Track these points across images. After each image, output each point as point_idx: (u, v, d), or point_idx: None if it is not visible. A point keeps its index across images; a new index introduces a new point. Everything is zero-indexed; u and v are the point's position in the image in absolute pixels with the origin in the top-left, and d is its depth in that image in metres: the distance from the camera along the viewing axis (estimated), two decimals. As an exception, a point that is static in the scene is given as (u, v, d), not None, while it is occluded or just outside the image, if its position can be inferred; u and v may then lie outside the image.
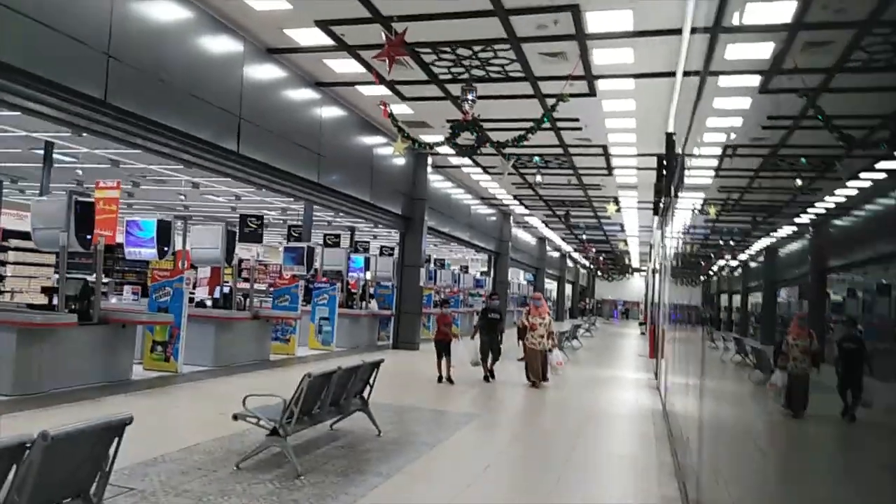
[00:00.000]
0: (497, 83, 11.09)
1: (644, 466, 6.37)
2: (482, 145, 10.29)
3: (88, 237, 8.32)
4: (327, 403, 5.88)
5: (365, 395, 6.68)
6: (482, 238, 23.22)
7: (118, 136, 7.82)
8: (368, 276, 16.40)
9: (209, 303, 11.79)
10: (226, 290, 11.49)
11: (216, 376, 9.45)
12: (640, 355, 18.98)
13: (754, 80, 3.17)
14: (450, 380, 10.72)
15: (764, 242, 2.87)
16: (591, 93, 11.25)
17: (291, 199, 25.65)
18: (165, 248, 10.37)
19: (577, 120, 12.92)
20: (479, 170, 18.06)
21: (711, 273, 4.56)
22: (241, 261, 19.08)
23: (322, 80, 11.45)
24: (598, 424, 8.63)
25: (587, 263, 51.37)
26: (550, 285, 43.40)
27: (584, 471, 6.14)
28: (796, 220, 2.36)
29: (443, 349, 10.89)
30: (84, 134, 11.08)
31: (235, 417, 5.30)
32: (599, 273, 56.93)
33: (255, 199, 26.19)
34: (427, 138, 14.06)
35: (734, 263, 3.70)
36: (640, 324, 34.49)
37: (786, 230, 2.53)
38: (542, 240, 35.03)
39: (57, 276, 8.02)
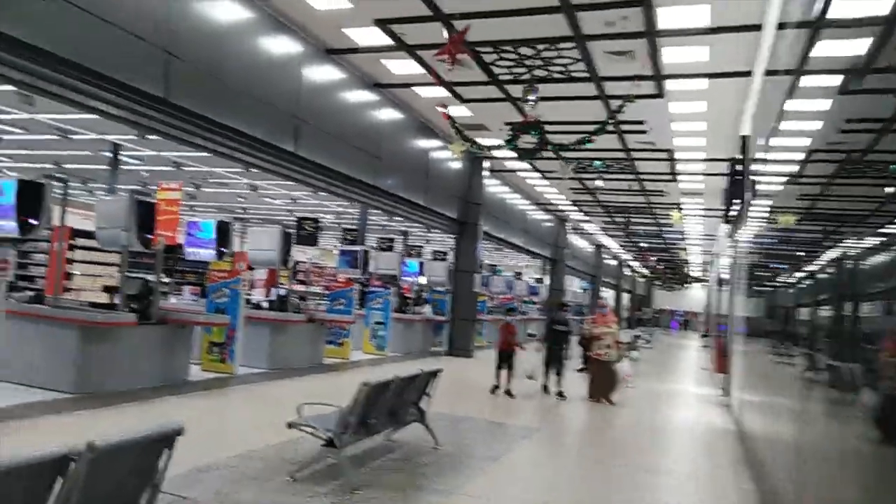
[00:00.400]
0: (559, 84, 10.72)
1: (722, 493, 5.89)
2: (543, 148, 9.92)
3: (149, 237, 8.37)
4: (384, 414, 5.64)
5: (422, 405, 6.41)
6: (537, 244, 22.77)
7: (178, 136, 7.83)
8: (423, 280, 16.21)
9: (265, 304, 11.78)
10: (281, 292, 11.47)
11: (271, 379, 9.37)
12: (703, 368, 18.16)
13: (836, 80, 2.77)
14: (508, 393, 10.32)
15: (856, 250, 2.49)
16: (659, 94, 10.75)
17: (347, 203, 25.91)
18: (224, 250, 10.38)
19: (641, 122, 12.41)
20: (536, 174, 17.67)
21: (800, 284, 4.13)
22: (296, 263, 19.27)
23: (380, 82, 11.32)
24: (666, 443, 8.13)
25: (645, 272, 50.13)
26: (606, 294, 42.47)
27: (655, 494, 5.71)
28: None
29: (505, 359, 10.52)
30: (148, 136, 11.27)
31: (290, 426, 5.10)
32: (658, 282, 55.43)
33: (311, 203, 26.46)
34: (484, 142, 13.85)
35: (829, 273, 3.28)
36: (703, 335, 33.26)
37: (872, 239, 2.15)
38: (598, 247, 34.26)
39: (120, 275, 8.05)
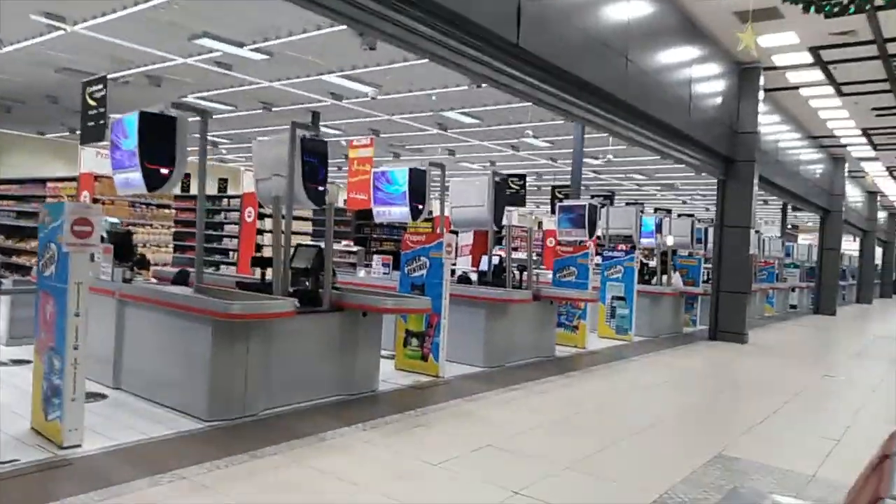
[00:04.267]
0: None
1: None
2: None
3: (322, 189, 5.83)
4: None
5: None
6: (811, 191, 17.51)
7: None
8: (670, 241, 12.40)
9: (474, 276, 8.99)
10: (495, 260, 8.56)
11: (491, 385, 6.47)
12: None
13: None
14: None
15: None
16: None
17: (551, 161, 22.48)
18: (420, 206, 7.71)
19: None
20: (827, 90, 12.79)
21: None
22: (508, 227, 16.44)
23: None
24: None
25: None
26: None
27: None
28: None
29: None
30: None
31: None
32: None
33: (510, 164, 23.51)
34: (772, 39, 9.60)
35: None
36: None
37: None
38: (872, 194, 27.10)
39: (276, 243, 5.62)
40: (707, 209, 37.01)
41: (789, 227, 23.50)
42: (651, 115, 8.32)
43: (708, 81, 10.33)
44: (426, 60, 12.64)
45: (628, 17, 7.81)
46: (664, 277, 12.09)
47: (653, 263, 12.74)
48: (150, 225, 11.32)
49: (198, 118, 5.43)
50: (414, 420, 5.06)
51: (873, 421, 6.34)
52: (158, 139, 5.16)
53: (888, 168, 21.70)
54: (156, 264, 11.53)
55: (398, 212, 7.82)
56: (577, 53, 6.79)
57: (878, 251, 35.08)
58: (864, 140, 17.31)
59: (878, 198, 27.89)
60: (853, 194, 24.80)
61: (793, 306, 20.26)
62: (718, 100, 10.79)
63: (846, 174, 20.53)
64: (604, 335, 10.68)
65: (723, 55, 10.87)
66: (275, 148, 6.01)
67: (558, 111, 7.37)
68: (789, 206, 20.72)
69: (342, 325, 5.57)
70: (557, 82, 6.76)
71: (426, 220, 13.60)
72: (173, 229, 11.97)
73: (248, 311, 4.51)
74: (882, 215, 32.18)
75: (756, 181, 11.45)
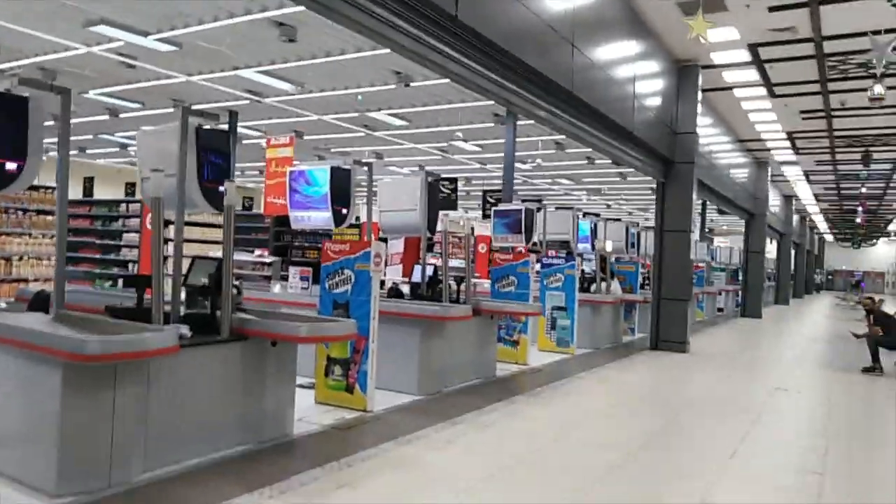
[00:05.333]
0: None
1: None
2: None
3: (220, 190, 4.74)
4: None
5: None
6: (739, 195, 17.56)
7: None
8: (610, 246, 11.84)
9: (406, 288, 8.04)
10: (429, 270, 7.63)
11: (428, 418, 5.52)
12: None
13: None
14: None
15: None
16: None
17: (478, 165, 21.74)
18: (344, 211, 6.72)
19: None
20: (760, 92, 12.63)
21: None
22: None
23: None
24: None
25: (824, 226, 42.34)
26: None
27: None
28: None
29: None
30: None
31: None
32: (848, 237, 47.20)
33: (440, 167, 22.77)
34: (713, 34, 9.15)
35: None
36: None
37: None
38: (788, 198, 27.96)
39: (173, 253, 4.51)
40: (630, 213, 37.52)
41: (707, 230, 23.79)
42: (598, 109, 7.64)
43: (650, 78, 9.81)
44: (351, 56, 11.85)
45: (574, 4, 7.08)
46: (603, 285, 11.51)
47: (588, 270, 12.18)
48: (29, 234, 9.75)
49: (57, 97, 4.24)
50: (336, 477, 4.05)
51: (847, 443, 5.82)
52: (2, 125, 3.98)
53: (805, 172, 22.30)
54: (36, 279, 10.01)
55: (319, 217, 6.80)
56: (522, 35, 5.98)
57: (791, 253, 36.50)
58: (787, 144, 17.53)
59: (793, 202, 28.84)
60: (772, 198, 25.43)
61: (720, 310, 20.36)
62: (659, 98, 10.30)
63: (769, 178, 20.88)
64: (544, 348, 9.95)
65: (664, 52, 10.42)
66: (161, 139, 4.89)
67: (499, 100, 6.54)
68: (708, 210, 20.84)
69: (246, 357, 4.50)
70: (499, 67, 5.93)
71: (352, 225, 12.56)
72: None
73: (111, 350, 3.39)
74: (795, 219, 33.41)
75: (695, 184, 11.05)
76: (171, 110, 15.60)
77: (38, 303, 4.78)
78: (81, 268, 12.21)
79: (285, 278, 8.17)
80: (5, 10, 9.81)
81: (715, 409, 6.88)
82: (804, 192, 27.55)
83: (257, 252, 8.93)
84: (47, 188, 9.51)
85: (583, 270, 11.94)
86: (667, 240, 11.01)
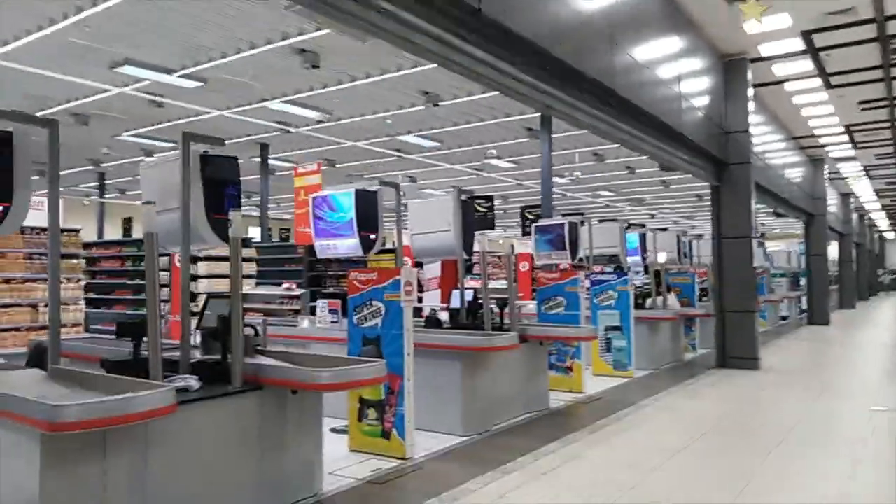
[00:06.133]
0: None
1: None
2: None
3: (224, 219, 4.24)
4: None
5: None
6: (795, 195, 16.46)
7: None
8: (663, 257, 11.02)
9: (445, 316, 7.41)
10: (468, 295, 7.01)
11: (476, 466, 4.86)
12: None
13: None
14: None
15: None
16: None
17: (515, 175, 20.94)
18: (372, 236, 6.16)
19: None
20: (814, 83, 11.72)
21: None
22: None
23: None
24: None
25: (881, 224, 40.08)
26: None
27: None
28: None
29: None
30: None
31: None
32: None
33: (475, 187, 22.26)
34: (763, 24, 8.40)
35: None
36: None
37: None
38: (846, 196, 26.44)
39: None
40: (675, 222, 36.25)
41: (758, 234, 22.53)
42: (643, 109, 6.94)
43: (696, 75, 9.08)
44: (377, 78, 11.48)
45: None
46: (658, 300, 10.68)
47: (637, 283, 11.35)
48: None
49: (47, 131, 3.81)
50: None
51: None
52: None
53: (865, 167, 20.97)
54: (63, 325, 9.72)
55: (345, 245, 6.27)
56: (555, 29, 5.37)
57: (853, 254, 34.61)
58: (845, 138, 16.40)
59: (851, 200, 27.29)
60: (829, 197, 24.04)
61: (783, 318, 19.12)
62: (707, 96, 9.54)
63: (826, 176, 19.67)
64: (599, 372, 9.19)
65: (708, 47, 9.69)
66: (163, 171, 4.43)
67: (532, 102, 5.93)
68: (760, 213, 19.70)
69: (263, 408, 3.93)
70: (531, 67, 5.32)
71: (385, 251, 12.05)
72: (87, 281, 10.17)
73: (93, 416, 2.85)
74: (854, 217, 31.65)
75: (753, 184, 10.19)
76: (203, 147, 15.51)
77: (36, 357, 4.33)
78: (115, 310, 11.95)
79: (315, 311, 7.65)
80: (33, 58, 9.76)
81: (811, 442, 5.97)
82: (863, 189, 26.01)
83: (285, 285, 8.46)
84: (72, 230, 9.26)
85: (634, 285, 11.14)
86: (726, 247, 10.14)
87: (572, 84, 6.00)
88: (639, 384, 8.58)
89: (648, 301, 10.61)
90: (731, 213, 10.07)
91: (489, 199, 15.82)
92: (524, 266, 12.96)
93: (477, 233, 15.60)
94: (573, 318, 7.95)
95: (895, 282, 51.94)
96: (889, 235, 49.09)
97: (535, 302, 8.72)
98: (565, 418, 6.64)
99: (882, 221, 39.71)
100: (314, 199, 6.68)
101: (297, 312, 7.65)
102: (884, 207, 33.67)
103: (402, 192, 6.31)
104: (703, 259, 13.49)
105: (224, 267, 11.33)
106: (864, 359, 12.23)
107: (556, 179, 20.61)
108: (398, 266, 5.47)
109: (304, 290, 7.98)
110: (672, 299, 10.98)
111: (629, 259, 11.02)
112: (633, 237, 11.63)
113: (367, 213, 6.06)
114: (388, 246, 11.98)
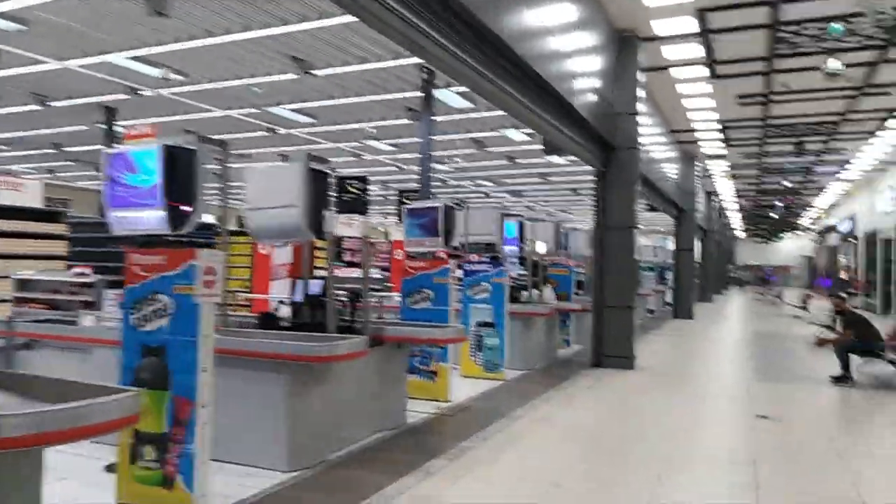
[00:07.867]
0: None
1: None
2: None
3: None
4: None
5: None
6: (671, 189, 16.41)
7: None
8: (542, 248, 10.16)
9: (285, 311, 5.95)
10: (314, 288, 5.59)
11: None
12: None
13: None
14: None
15: None
16: None
17: (396, 157, 19.48)
18: (186, 209, 4.59)
19: None
20: (701, 72, 11.33)
21: None
22: (340, 239, 13.21)
23: None
24: None
25: (735, 222, 42.91)
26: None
27: None
28: None
29: None
30: None
31: None
32: (762, 233, 48.16)
33: (353, 171, 20.81)
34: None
35: None
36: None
37: None
38: (709, 194, 27.49)
39: None
40: (549, 214, 36.55)
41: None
42: (531, 68, 5.84)
43: (589, 49, 8.19)
44: (236, 36, 9.72)
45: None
46: (535, 293, 9.81)
47: (514, 275, 10.46)
48: None
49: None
50: None
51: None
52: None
53: (731, 166, 21.67)
54: None
55: (147, 217, 4.63)
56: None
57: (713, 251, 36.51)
58: (719, 135, 16.57)
59: (712, 199, 28.45)
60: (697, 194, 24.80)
61: (650, 311, 19.25)
62: (598, 74, 8.70)
63: (697, 173, 20.02)
64: (469, 374, 8.15)
65: (604, 20, 8.86)
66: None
67: (413, 46, 4.66)
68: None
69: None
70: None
71: (236, 232, 10.50)
72: None
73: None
74: (714, 216, 33.27)
75: (638, 173, 9.54)
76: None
77: None
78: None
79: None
80: None
81: (704, 460, 5.20)
82: (726, 188, 27.20)
83: (76, 269, 6.58)
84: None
85: (511, 277, 10.21)
86: (608, 238, 9.42)
87: (451, 28, 4.77)
88: (511, 388, 7.63)
89: (524, 294, 9.72)
90: (616, 201, 9.35)
91: (363, 179, 14.42)
92: (399, 254, 11.74)
93: (351, 216, 13.99)
94: (441, 313, 6.82)
95: (740, 278, 56.05)
96: (741, 235, 52.84)
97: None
98: (425, 438, 5.46)
99: (737, 221, 42.42)
100: (109, 156, 4.98)
101: (88, 305, 5.90)
102: (741, 209, 35.81)
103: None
104: (579, 251, 12.93)
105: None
106: (734, 356, 12.13)
107: (437, 166, 19.57)
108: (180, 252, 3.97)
109: (99, 278, 6.15)
110: (549, 293, 10.17)
111: (506, 248, 10.05)
112: (511, 225, 10.68)
113: (180, 177, 4.46)
114: (238, 228, 10.32)
